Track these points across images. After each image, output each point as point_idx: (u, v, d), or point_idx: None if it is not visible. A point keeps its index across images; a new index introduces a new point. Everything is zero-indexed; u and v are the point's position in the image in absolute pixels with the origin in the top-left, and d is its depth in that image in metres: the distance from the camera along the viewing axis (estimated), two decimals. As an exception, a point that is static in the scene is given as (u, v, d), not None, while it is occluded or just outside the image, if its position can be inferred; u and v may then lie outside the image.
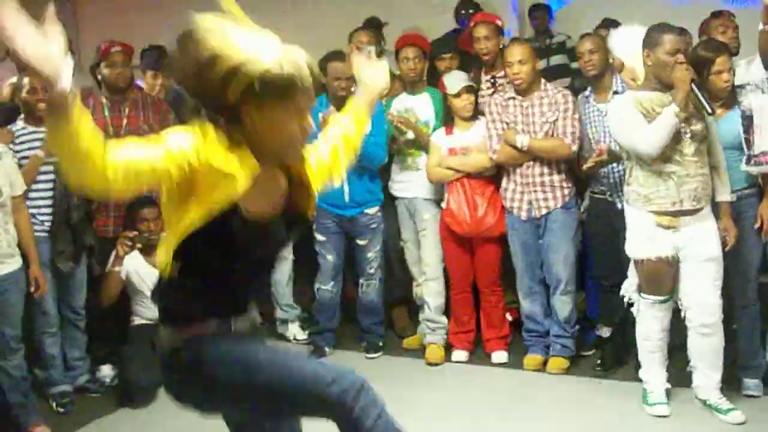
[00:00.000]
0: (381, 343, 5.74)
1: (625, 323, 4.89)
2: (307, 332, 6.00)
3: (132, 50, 5.56)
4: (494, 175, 5.24)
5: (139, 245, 5.15)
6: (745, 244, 4.59)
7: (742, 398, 4.64)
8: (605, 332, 5.25)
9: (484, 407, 4.79)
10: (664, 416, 4.53)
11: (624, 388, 4.89)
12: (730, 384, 4.68)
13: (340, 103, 4.71)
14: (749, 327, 4.73)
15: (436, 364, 5.45)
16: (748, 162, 4.45)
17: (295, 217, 2.52)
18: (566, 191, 5.09)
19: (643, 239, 4.41)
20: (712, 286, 4.38)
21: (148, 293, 5.02)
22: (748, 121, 4.45)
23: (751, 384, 4.71)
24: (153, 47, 6.33)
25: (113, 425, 4.87)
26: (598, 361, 5.18)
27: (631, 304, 4.63)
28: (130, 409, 5.00)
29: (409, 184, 5.48)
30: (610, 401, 4.79)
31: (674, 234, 4.35)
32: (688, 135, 4.28)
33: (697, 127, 4.30)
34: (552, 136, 5.03)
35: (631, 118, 4.30)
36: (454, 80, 5.28)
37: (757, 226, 4.57)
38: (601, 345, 5.30)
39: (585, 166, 4.92)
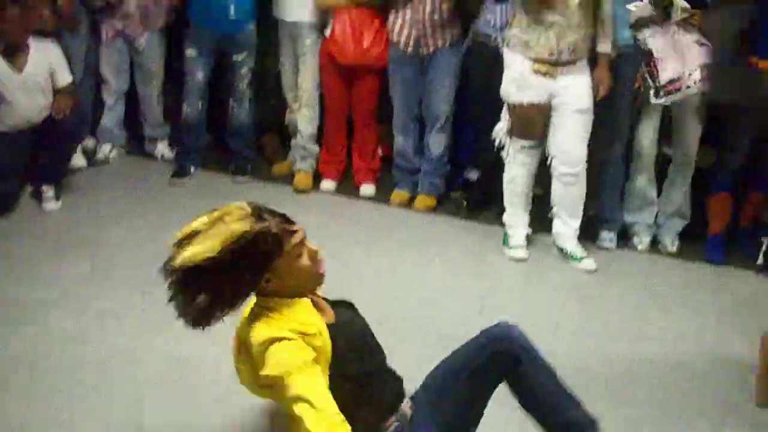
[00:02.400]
0: (249, 167, 5.66)
1: (494, 168, 4.94)
2: (174, 151, 5.87)
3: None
4: (382, 7, 5.10)
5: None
6: (619, 101, 4.66)
7: (596, 250, 4.83)
8: (473, 175, 5.32)
9: (347, 239, 4.82)
10: (522, 259, 4.68)
11: (486, 230, 5.00)
12: (588, 236, 4.86)
13: None
14: (612, 182, 4.88)
15: (303, 191, 5.44)
16: (656, 95, 4.44)
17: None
18: (454, 31, 5.02)
19: (518, 84, 4.44)
20: (580, 137, 4.49)
21: (10, 98, 4.83)
22: (647, 56, 4.42)
23: (607, 237, 4.90)
24: None
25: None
26: (464, 203, 5.26)
27: (501, 148, 4.68)
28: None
29: (294, 6, 5.26)
30: (471, 241, 4.90)
31: (549, 82, 4.39)
32: None
33: None
34: None
35: None
36: None
37: (636, 87, 4.63)
38: (468, 187, 5.37)
39: None
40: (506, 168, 4.68)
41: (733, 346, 3.94)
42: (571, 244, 4.70)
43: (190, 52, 5.36)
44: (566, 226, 4.68)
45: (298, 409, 2.16)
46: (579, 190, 4.61)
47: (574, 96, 4.42)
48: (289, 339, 2.27)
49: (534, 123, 4.52)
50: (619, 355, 3.79)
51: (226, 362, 2.61)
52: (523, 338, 2.65)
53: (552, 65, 4.37)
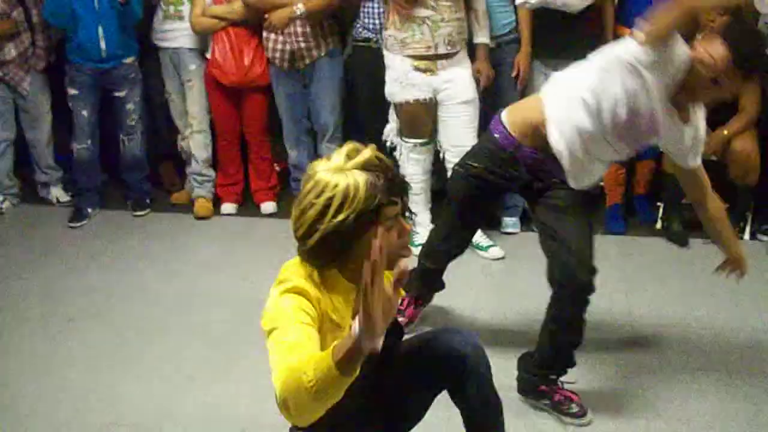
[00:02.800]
0: (148, 200, 5.60)
1: None
2: (69, 194, 5.76)
3: None
4: (260, 25, 5.09)
5: None
6: (503, 91, 4.73)
7: (501, 236, 4.89)
8: None
9: (253, 259, 4.80)
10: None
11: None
12: (491, 224, 4.92)
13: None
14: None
15: (205, 218, 5.39)
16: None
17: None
18: (330, 40, 5.03)
19: (401, 83, 4.47)
20: (468, 127, 4.53)
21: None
22: None
23: (510, 222, 4.97)
24: None
25: None
26: None
27: (393, 149, 4.71)
28: None
29: (173, 33, 5.23)
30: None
31: (431, 77, 4.44)
32: None
33: None
34: None
35: None
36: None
37: (514, 74, 4.71)
38: None
39: None
40: (402, 167, 4.69)
41: (642, 310, 4.07)
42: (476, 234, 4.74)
43: (71, 90, 5.27)
44: None
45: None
46: None
47: (457, 88, 4.47)
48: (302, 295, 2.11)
49: (422, 120, 4.56)
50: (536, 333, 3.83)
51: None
52: (475, 360, 2.43)
53: (430, 60, 4.41)
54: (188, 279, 4.55)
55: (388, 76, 4.53)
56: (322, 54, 5.01)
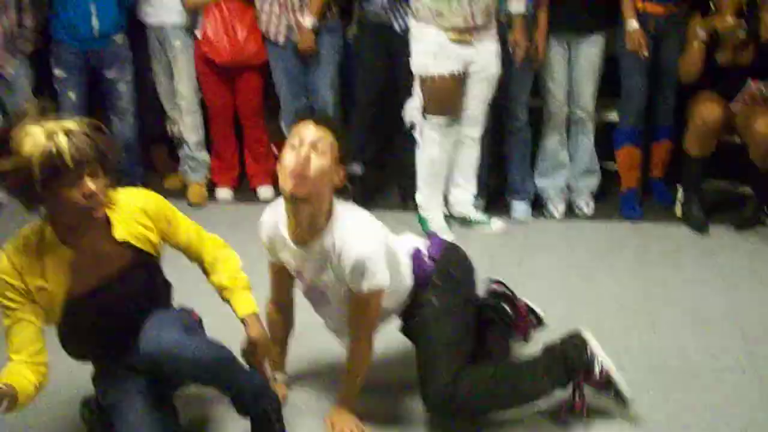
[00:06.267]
0: (140, 184, 5.35)
1: (379, 162, 4.92)
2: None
3: None
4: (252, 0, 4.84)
5: None
6: (523, 65, 4.52)
7: (511, 223, 4.69)
8: (357, 169, 5.06)
9: (251, 247, 4.57)
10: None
11: (395, 217, 4.78)
12: (501, 209, 4.73)
13: None
14: (520, 151, 4.75)
15: (199, 205, 5.15)
16: None
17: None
18: (329, 13, 4.77)
19: (434, 54, 4.23)
20: (482, 102, 4.39)
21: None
22: None
23: (520, 208, 4.78)
24: None
25: None
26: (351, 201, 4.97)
27: (412, 127, 4.46)
28: None
29: (158, 8, 4.94)
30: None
31: (465, 49, 4.22)
32: None
33: None
34: None
35: None
36: None
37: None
38: (354, 182, 5.11)
39: None
40: (421, 148, 4.46)
41: (660, 296, 3.86)
42: (473, 210, 4.64)
43: (58, 72, 4.98)
44: (465, 192, 4.61)
45: None
46: (477, 154, 4.54)
47: (487, 62, 4.30)
48: None
49: (451, 96, 4.33)
50: (553, 325, 3.60)
51: None
52: None
53: (467, 32, 4.19)
54: (176, 268, 4.32)
55: (418, 49, 4.28)
56: (323, 28, 4.75)
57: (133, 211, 2.69)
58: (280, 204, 2.85)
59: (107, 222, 2.60)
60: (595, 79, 4.61)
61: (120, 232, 2.62)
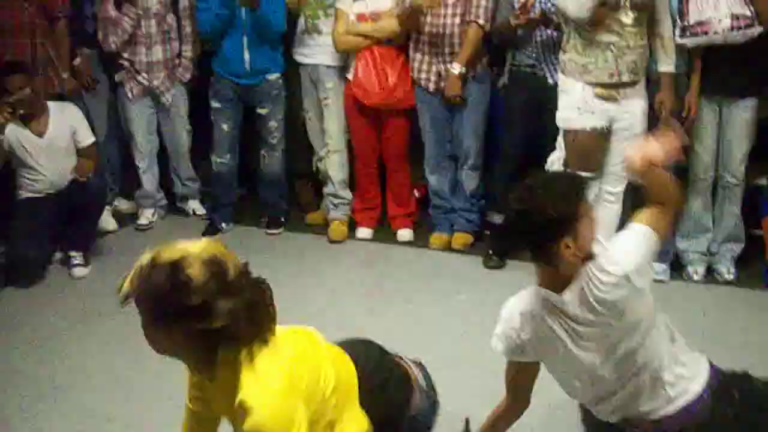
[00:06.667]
0: (283, 219, 5.51)
1: None
2: (205, 207, 5.74)
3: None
4: (404, 45, 4.95)
5: (21, 111, 4.73)
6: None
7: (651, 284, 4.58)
8: (496, 219, 5.06)
9: (388, 286, 4.64)
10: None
11: (531, 269, 4.76)
12: (639, 269, 4.63)
13: None
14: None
15: (339, 242, 5.25)
16: (682, 34, 4.25)
17: None
18: (480, 63, 4.83)
19: (578, 109, 4.23)
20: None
21: (34, 164, 4.77)
22: None
23: (659, 269, 4.65)
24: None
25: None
26: (489, 252, 4.93)
27: None
28: (16, 288, 4.69)
29: (313, 49, 5.12)
30: (517, 282, 4.64)
31: (611, 106, 4.21)
32: (627, 3, 4.05)
33: None
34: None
35: None
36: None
37: (684, 113, 4.41)
38: (493, 232, 5.08)
39: (513, 22, 4.58)
40: None
41: None
42: None
43: (214, 103, 5.25)
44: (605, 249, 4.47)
45: None
46: (618, 210, 4.46)
47: (634, 120, 4.25)
48: None
49: (593, 151, 4.30)
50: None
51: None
52: None
53: (613, 88, 4.18)
54: (314, 304, 4.41)
55: (564, 102, 4.28)
56: (471, 75, 4.81)
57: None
58: (530, 296, 2.54)
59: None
60: (747, 144, 4.46)
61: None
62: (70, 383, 3.73)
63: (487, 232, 5.11)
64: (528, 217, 2.33)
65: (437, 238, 5.13)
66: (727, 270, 4.63)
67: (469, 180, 5.00)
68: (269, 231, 5.43)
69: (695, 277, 4.63)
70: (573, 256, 2.35)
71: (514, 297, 2.59)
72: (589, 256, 2.41)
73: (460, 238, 5.07)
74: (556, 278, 2.42)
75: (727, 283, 4.60)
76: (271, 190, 5.48)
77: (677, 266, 4.69)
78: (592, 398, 2.60)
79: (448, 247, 5.09)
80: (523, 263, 4.77)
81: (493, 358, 3.71)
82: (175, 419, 3.33)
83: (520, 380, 2.67)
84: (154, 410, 3.46)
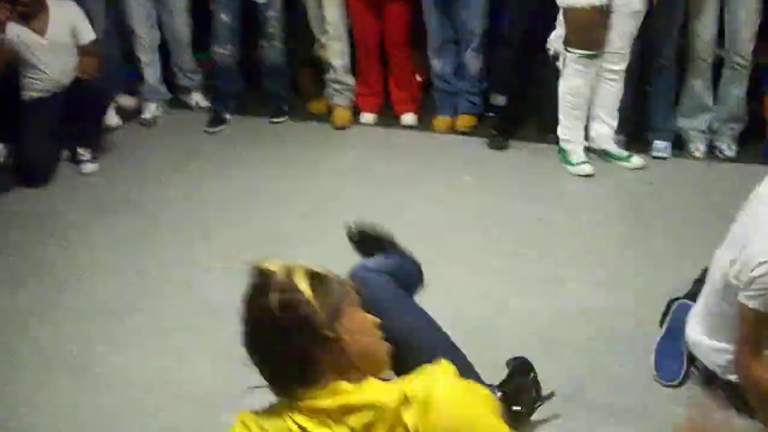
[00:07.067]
0: (286, 107, 5.53)
1: (523, 91, 4.93)
2: (209, 99, 5.74)
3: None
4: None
5: (20, 8, 4.67)
6: (671, 2, 4.42)
7: (651, 160, 4.67)
8: (501, 100, 5.09)
9: (394, 169, 4.71)
10: (590, 174, 4.53)
11: (534, 149, 4.85)
12: (640, 146, 4.72)
13: None
14: (664, 88, 4.68)
15: (343, 128, 5.29)
16: None
17: None
18: None
19: None
20: (628, 35, 4.35)
21: (37, 63, 4.77)
22: None
23: (661, 146, 4.73)
24: None
25: (10, 205, 4.60)
26: (493, 132, 4.98)
27: (555, 58, 4.48)
28: (26, 188, 4.74)
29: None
30: (522, 162, 4.75)
31: None
32: None
33: None
34: None
35: None
36: None
37: None
38: (497, 113, 5.12)
39: None
40: (564, 79, 4.47)
41: None
42: (613, 145, 4.64)
43: (215, -6, 5.22)
44: (606, 126, 4.61)
45: None
46: (620, 88, 4.52)
47: None
48: None
49: (594, 28, 4.31)
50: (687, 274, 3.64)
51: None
52: None
53: None
54: (326, 185, 4.50)
55: None
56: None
57: None
58: None
59: None
60: (754, 22, 4.39)
61: None
62: (91, 274, 3.83)
63: (491, 114, 5.14)
64: None
65: (441, 121, 5.16)
66: (728, 147, 4.67)
67: (473, 62, 5.01)
68: (272, 120, 5.45)
69: (696, 154, 4.69)
70: None
71: None
72: None
73: (464, 120, 5.10)
74: None
75: (728, 159, 4.66)
76: (272, 80, 5.49)
77: (679, 144, 4.75)
78: None
79: (451, 130, 5.13)
80: (525, 143, 4.90)
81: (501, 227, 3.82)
82: (193, 309, 3.49)
83: None
84: (174, 299, 3.59)
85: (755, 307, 2.35)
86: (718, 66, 4.61)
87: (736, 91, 4.58)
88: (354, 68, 5.39)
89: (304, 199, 4.39)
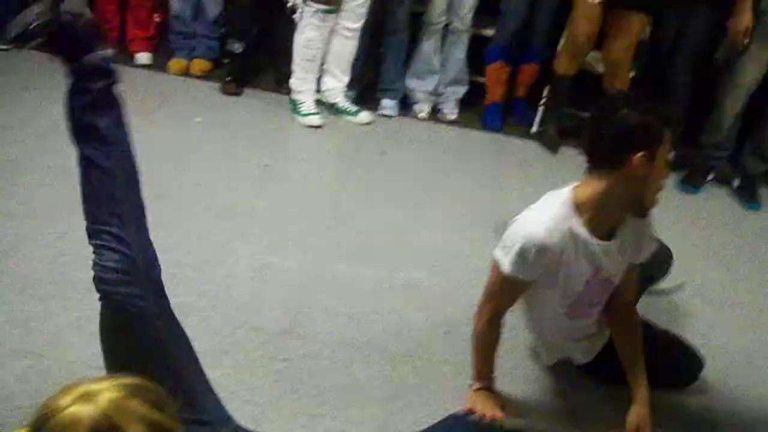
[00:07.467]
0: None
1: (260, 40, 4.96)
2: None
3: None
4: None
5: None
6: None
7: (378, 118, 4.87)
8: (237, 48, 5.09)
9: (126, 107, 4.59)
10: (318, 126, 4.64)
11: (269, 98, 4.90)
12: (370, 104, 4.89)
13: None
14: (394, 51, 4.88)
15: (71, 62, 5.09)
16: None
17: None
18: None
19: None
20: None
21: None
22: None
23: (389, 104, 4.92)
24: None
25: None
26: (227, 78, 4.98)
27: (293, 11, 4.54)
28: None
29: None
30: (254, 109, 4.79)
31: None
32: None
33: None
34: None
35: None
36: None
37: None
38: (233, 60, 5.08)
39: None
40: (299, 32, 4.54)
41: (507, 203, 4.00)
42: (343, 100, 4.80)
43: None
44: (338, 81, 4.75)
45: None
46: (353, 46, 4.67)
47: None
48: None
49: None
50: (400, 218, 3.81)
51: None
52: None
53: None
54: (50, 128, 4.34)
55: None
56: None
57: None
58: (556, 208, 2.47)
59: None
60: None
61: None
62: None
63: (226, 61, 5.13)
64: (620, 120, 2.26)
65: (176, 63, 5.09)
66: (450, 110, 4.96)
67: (212, 6, 4.98)
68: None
69: (421, 115, 4.93)
70: (642, 168, 2.25)
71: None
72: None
73: (199, 65, 5.07)
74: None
75: (450, 122, 4.94)
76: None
77: (405, 104, 4.97)
78: None
79: (186, 73, 5.07)
80: (260, 92, 4.93)
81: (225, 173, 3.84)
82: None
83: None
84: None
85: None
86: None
87: (457, 53, 4.88)
88: (91, 4, 5.20)
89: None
